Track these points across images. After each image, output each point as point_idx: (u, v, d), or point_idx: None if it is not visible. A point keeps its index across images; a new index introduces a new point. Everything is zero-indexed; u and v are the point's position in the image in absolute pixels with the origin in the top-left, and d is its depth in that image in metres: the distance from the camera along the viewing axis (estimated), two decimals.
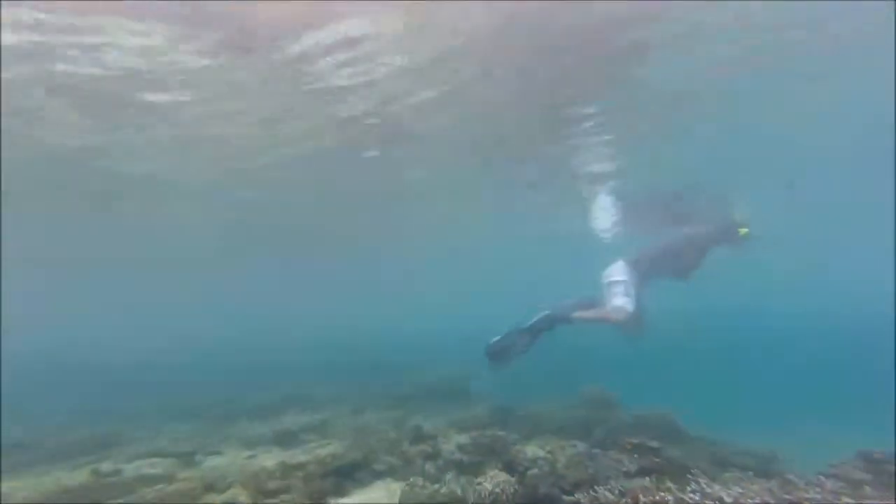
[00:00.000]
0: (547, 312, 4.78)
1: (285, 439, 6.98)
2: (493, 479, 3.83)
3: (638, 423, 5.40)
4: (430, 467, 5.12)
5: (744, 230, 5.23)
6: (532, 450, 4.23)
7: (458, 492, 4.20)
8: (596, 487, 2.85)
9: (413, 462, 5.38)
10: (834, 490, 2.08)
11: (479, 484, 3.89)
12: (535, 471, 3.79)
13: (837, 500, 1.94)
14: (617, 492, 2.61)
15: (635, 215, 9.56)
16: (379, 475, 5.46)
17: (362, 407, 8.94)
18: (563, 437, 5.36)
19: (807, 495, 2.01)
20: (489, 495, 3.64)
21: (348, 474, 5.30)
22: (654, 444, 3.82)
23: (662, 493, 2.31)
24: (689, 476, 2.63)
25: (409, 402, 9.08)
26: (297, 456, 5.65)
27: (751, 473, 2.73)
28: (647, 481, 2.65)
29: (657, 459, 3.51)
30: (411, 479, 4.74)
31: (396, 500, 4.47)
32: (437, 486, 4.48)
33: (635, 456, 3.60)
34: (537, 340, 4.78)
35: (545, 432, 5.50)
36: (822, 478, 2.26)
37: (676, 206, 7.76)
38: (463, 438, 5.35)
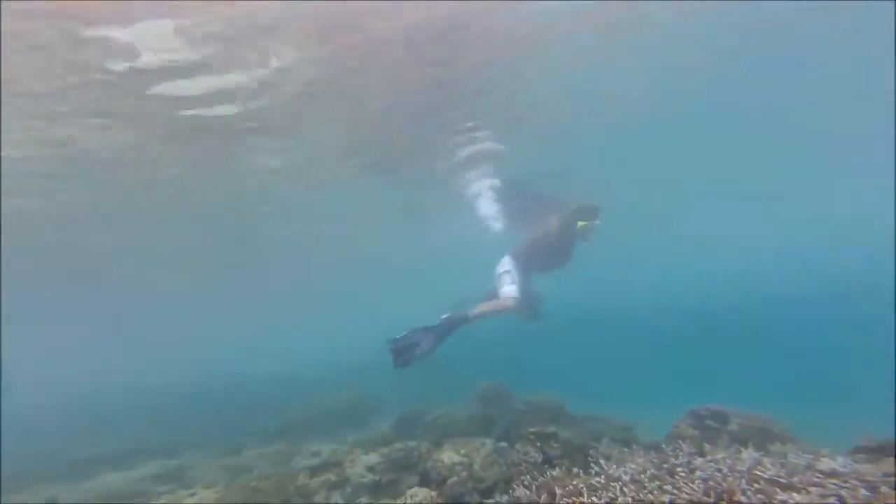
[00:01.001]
0: (447, 315, 4.85)
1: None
2: (414, 497, 3.68)
3: (530, 409, 6.10)
4: (337, 497, 4.60)
5: (582, 224, 5.38)
6: (448, 456, 4.26)
7: None
8: (514, 486, 3.03)
9: (315, 495, 4.75)
10: (688, 452, 2.77)
11: None
12: (454, 478, 3.81)
13: (694, 459, 2.59)
14: (534, 488, 2.84)
15: (510, 214, 10.38)
16: None
17: (237, 447, 7.44)
18: (469, 436, 5.63)
19: (675, 461, 2.62)
20: None
21: None
22: (552, 429, 4.36)
23: (574, 483, 2.63)
24: (589, 458, 3.09)
25: (301, 431, 8.06)
26: None
27: (636, 447, 3.44)
28: (557, 472, 2.98)
29: (556, 444, 4.02)
30: None
31: None
32: None
33: (538, 444, 4.03)
34: (441, 344, 4.78)
35: (453, 435, 5.65)
36: (679, 442, 2.99)
37: (534, 203, 8.67)
38: (372, 458, 4.99)
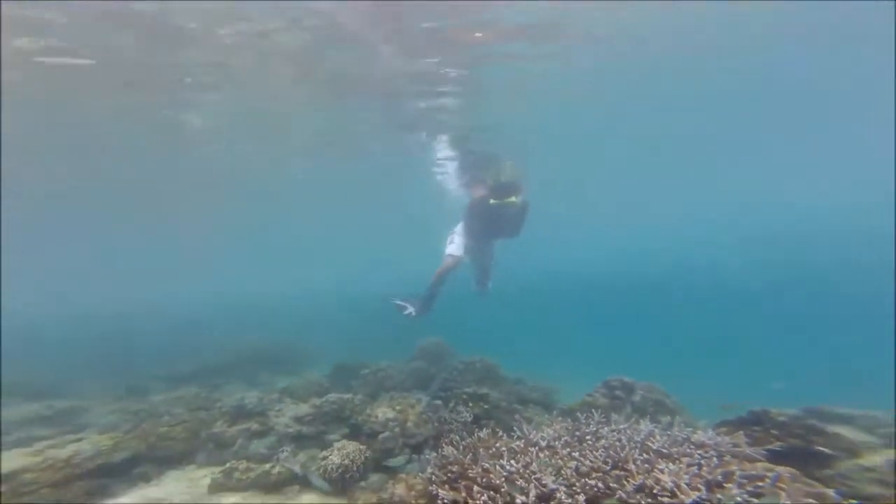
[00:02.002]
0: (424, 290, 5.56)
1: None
2: (342, 451, 3.88)
3: (467, 368, 6.64)
4: (258, 446, 4.68)
5: (494, 202, 5.36)
6: (383, 411, 4.51)
7: (297, 470, 4.06)
8: (443, 444, 3.34)
9: (232, 444, 4.77)
10: (597, 421, 3.27)
11: (325, 458, 3.87)
12: (386, 434, 4.07)
13: (602, 428, 3.06)
14: (461, 447, 3.16)
15: (459, 175, 10.74)
16: (174, 464, 4.62)
17: (143, 389, 7.02)
18: (404, 391, 5.99)
19: (586, 429, 3.08)
20: (337, 469, 3.68)
21: (119, 472, 4.23)
22: (484, 390, 4.81)
23: (497, 445, 2.97)
24: (514, 422, 3.50)
25: (223, 375, 7.81)
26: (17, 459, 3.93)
27: (556, 412, 3.93)
28: (484, 433, 3.33)
29: (486, 406, 4.47)
30: (228, 464, 4.23)
31: (203, 491, 3.97)
32: (267, 466, 4.18)
33: (470, 405, 4.45)
34: (428, 308, 5.61)
35: (389, 389, 5.97)
36: (591, 411, 3.50)
37: (472, 167, 9.14)
38: (303, 408, 5.09)
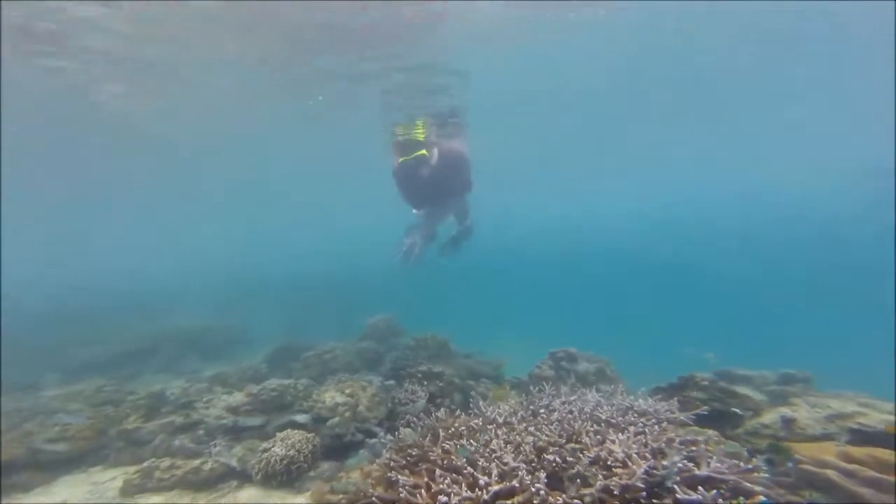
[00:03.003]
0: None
1: None
2: (286, 441, 3.69)
3: (418, 346, 6.68)
4: (184, 441, 4.26)
5: (402, 159, 5.19)
6: (331, 395, 4.35)
7: (233, 464, 3.79)
8: (399, 428, 3.33)
9: (150, 441, 4.31)
10: (548, 394, 3.49)
11: (267, 450, 3.66)
12: (335, 419, 3.95)
13: (553, 400, 3.27)
14: (419, 429, 3.18)
15: None
16: (69, 468, 4.08)
17: (35, 381, 5.96)
18: (353, 373, 5.86)
19: (539, 402, 3.27)
20: (282, 460, 3.50)
21: None
22: (438, 368, 4.88)
23: (456, 424, 3.03)
24: (470, 399, 3.59)
25: (139, 362, 6.92)
26: None
27: (509, 388, 4.11)
28: (442, 412, 3.38)
29: (441, 383, 4.55)
30: (147, 463, 3.82)
31: (113, 494, 3.57)
32: (196, 462, 3.84)
33: (425, 383, 4.49)
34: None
35: (336, 371, 5.78)
36: (543, 384, 3.73)
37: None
38: (237, 397, 4.72)
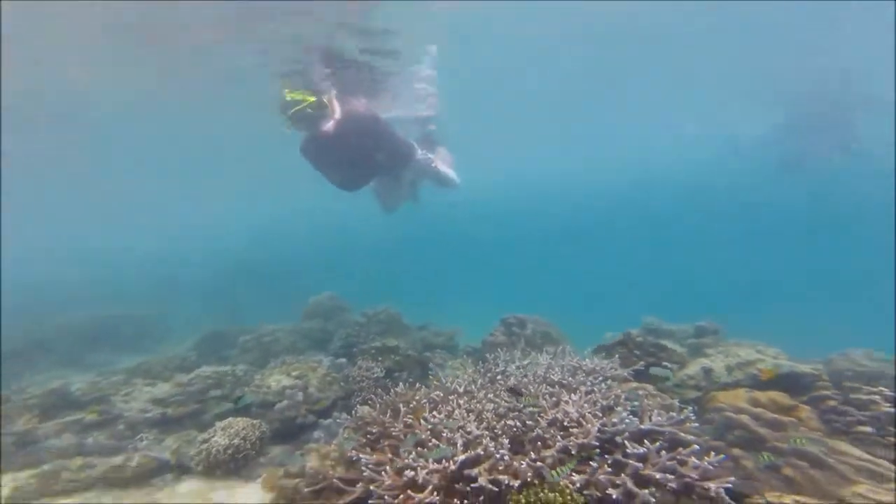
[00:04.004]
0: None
1: None
2: (228, 430, 3.44)
3: (369, 322, 6.57)
4: (100, 438, 3.79)
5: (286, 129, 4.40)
6: (276, 379, 4.12)
7: (165, 457, 3.47)
8: (357, 408, 3.28)
9: (48, 441, 3.77)
10: (503, 359, 3.67)
11: (206, 440, 3.39)
12: (283, 403, 3.76)
13: (509, 366, 3.44)
14: (378, 406, 3.16)
15: None
16: None
17: None
18: (299, 353, 5.60)
19: (496, 369, 3.42)
20: (225, 450, 3.28)
21: None
22: (393, 342, 4.85)
23: (417, 398, 3.06)
24: (430, 372, 3.64)
25: (28, 358, 5.89)
26: None
27: (462, 355, 4.22)
28: (401, 387, 3.38)
29: (397, 357, 4.54)
30: (49, 465, 3.36)
31: None
32: (118, 459, 3.45)
33: (379, 359, 4.44)
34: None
35: (279, 354, 5.48)
36: (498, 350, 3.90)
37: None
38: (163, 388, 4.27)
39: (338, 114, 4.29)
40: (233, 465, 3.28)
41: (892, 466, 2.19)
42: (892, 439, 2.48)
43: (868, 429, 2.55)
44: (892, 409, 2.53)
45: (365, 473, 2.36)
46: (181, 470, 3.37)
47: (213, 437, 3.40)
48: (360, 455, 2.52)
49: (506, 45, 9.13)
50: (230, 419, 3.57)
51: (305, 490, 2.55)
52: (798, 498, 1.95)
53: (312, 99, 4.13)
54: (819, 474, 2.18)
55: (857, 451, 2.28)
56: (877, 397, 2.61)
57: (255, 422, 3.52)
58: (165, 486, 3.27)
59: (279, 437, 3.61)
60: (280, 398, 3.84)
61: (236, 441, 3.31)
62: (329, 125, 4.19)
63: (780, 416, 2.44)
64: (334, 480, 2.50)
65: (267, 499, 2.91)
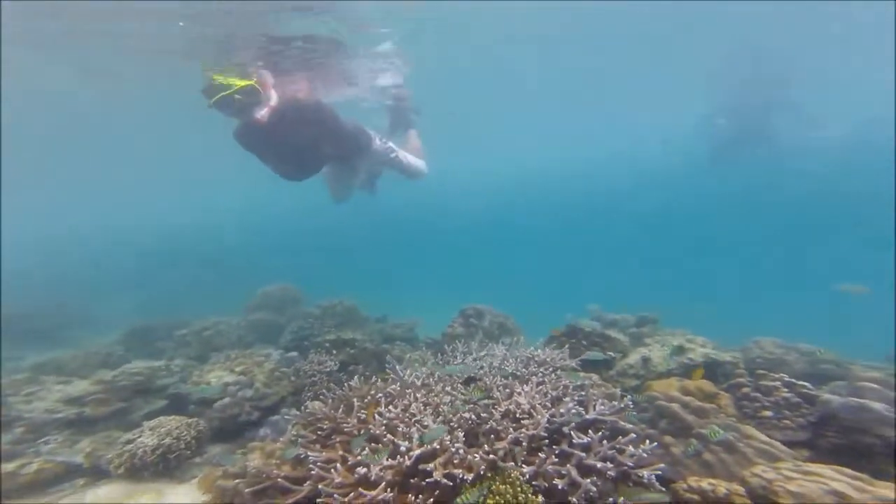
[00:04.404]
0: None
1: None
2: (157, 430, 3.15)
3: (325, 314, 6.32)
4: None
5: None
6: (217, 375, 3.82)
7: (77, 460, 3.11)
8: (307, 403, 3.14)
9: None
10: (462, 351, 3.71)
11: (131, 441, 3.07)
12: (225, 400, 3.51)
13: (467, 357, 3.48)
14: (330, 401, 3.04)
15: None
16: None
17: None
18: (245, 347, 5.26)
19: (455, 361, 3.44)
20: (154, 451, 2.99)
21: None
22: (349, 335, 4.70)
23: (372, 392, 2.99)
24: (387, 364, 3.57)
25: None
26: None
27: (422, 346, 4.17)
28: (355, 380, 3.29)
29: (353, 350, 4.40)
30: None
31: None
32: (13, 464, 3.03)
33: (334, 353, 4.28)
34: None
35: (222, 348, 5.10)
36: (456, 342, 3.93)
37: None
38: (79, 386, 3.79)
39: (273, 100, 3.88)
40: (162, 467, 3.01)
41: (784, 448, 2.52)
42: (787, 422, 2.87)
43: (769, 413, 2.91)
44: (788, 394, 2.91)
45: (313, 471, 2.27)
46: (97, 475, 3.02)
47: (139, 437, 3.09)
48: (309, 452, 2.42)
49: (464, 40, 8.93)
50: (161, 418, 3.26)
51: (246, 491, 2.40)
52: (712, 480, 2.18)
53: (241, 83, 3.68)
54: (730, 458, 2.46)
55: (760, 435, 2.60)
56: (778, 383, 2.99)
57: (190, 420, 3.25)
58: (74, 491, 2.92)
59: (220, 435, 3.37)
60: (222, 395, 3.57)
61: (167, 441, 3.04)
62: (263, 113, 3.78)
63: (705, 403, 2.71)
64: (279, 479, 2.38)
65: (202, 500, 2.71)
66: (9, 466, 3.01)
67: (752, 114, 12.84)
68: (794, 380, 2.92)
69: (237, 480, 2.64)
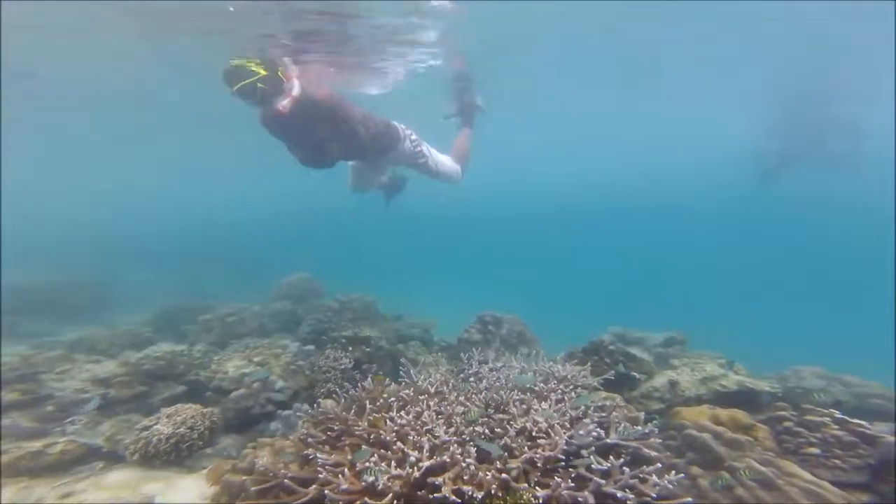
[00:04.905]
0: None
1: None
2: (174, 417, 3.21)
3: (343, 308, 6.35)
4: (19, 419, 3.46)
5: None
6: (235, 364, 3.88)
7: (97, 443, 3.21)
8: (319, 395, 3.12)
9: None
10: (477, 360, 3.60)
11: (148, 428, 3.14)
12: (240, 391, 3.55)
13: (482, 367, 3.38)
14: (342, 401, 3.01)
15: None
16: None
17: None
18: (264, 336, 5.34)
19: (469, 370, 3.35)
20: (168, 439, 3.04)
21: None
22: (366, 332, 4.68)
23: (385, 395, 2.94)
24: (401, 367, 3.52)
25: None
26: None
27: (437, 351, 4.10)
28: (368, 381, 3.25)
29: (368, 349, 4.38)
30: None
31: None
32: (37, 444, 3.15)
33: (350, 349, 4.27)
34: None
35: (243, 336, 5.20)
36: (472, 349, 3.83)
37: None
38: (108, 367, 3.94)
39: (296, 90, 3.79)
40: (174, 456, 3.05)
41: (835, 490, 2.28)
42: (836, 461, 2.60)
43: (816, 450, 2.65)
44: (840, 432, 2.64)
45: (321, 474, 2.22)
46: (113, 459, 3.10)
47: (155, 424, 3.16)
48: (318, 454, 2.38)
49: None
50: (178, 406, 3.33)
51: (253, 489, 2.39)
52: None
53: (264, 72, 3.63)
54: (768, 495, 2.24)
55: (805, 474, 2.36)
56: (827, 419, 2.72)
57: (205, 410, 3.30)
58: (91, 475, 3.00)
59: (234, 427, 3.40)
60: (237, 385, 3.62)
61: (182, 430, 3.09)
62: (285, 103, 3.71)
63: (739, 434, 2.49)
64: (286, 480, 2.35)
65: (209, 492, 2.72)
66: (34, 444, 3.13)
67: (806, 133, 12.13)
68: (846, 417, 2.65)
69: (244, 477, 2.64)
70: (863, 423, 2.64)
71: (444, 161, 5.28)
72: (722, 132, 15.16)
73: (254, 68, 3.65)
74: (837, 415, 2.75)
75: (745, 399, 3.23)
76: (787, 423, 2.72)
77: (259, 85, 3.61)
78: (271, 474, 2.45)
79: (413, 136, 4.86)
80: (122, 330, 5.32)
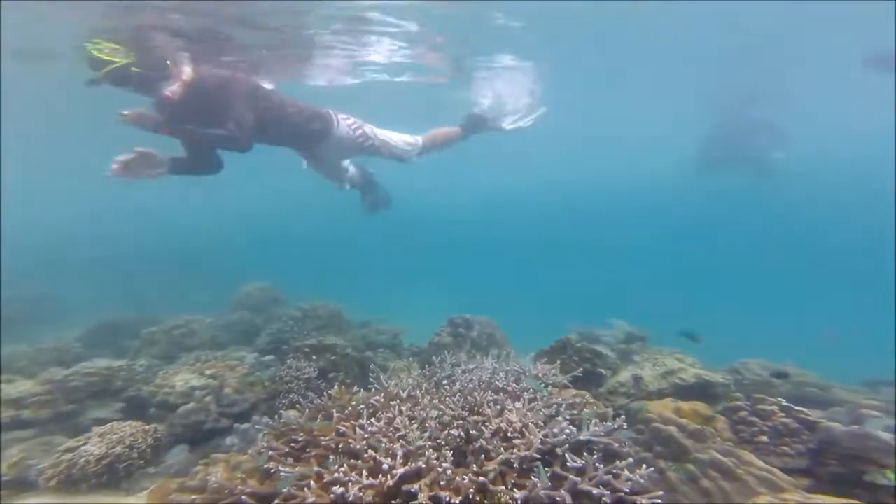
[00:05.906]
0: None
1: None
2: (108, 436, 2.84)
3: (306, 316, 6.04)
4: None
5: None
6: (184, 378, 3.52)
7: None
8: (280, 406, 2.90)
9: None
10: (450, 363, 3.53)
11: (73, 449, 2.74)
12: (190, 405, 3.22)
13: (455, 369, 3.30)
14: (307, 411, 2.81)
15: None
16: None
17: None
18: (218, 348, 4.94)
19: (441, 374, 3.26)
20: (99, 461, 2.68)
21: None
22: (331, 340, 4.45)
23: (353, 403, 2.77)
24: (371, 374, 3.36)
25: None
26: None
27: (407, 355, 3.97)
28: (335, 389, 3.06)
29: (334, 357, 4.16)
30: None
31: None
32: None
33: (314, 358, 4.03)
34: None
35: (193, 349, 4.76)
36: (444, 352, 3.74)
37: None
38: (23, 387, 3.43)
39: (187, 75, 3.31)
40: (107, 479, 2.68)
41: (785, 476, 2.44)
42: (784, 448, 2.79)
43: (765, 438, 2.84)
44: (787, 419, 2.85)
45: (284, 489, 2.04)
46: (20, 487, 2.67)
47: (83, 444, 2.77)
48: (280, 466, 2.19)
49: None
50: (113, 423, 2.95)
51: None
52: None
53: (125, 60, 3.11)
54: (729, 486, 2.35)
55: (759, 462, 2.51)
56: (775, 408, 2.93)
57: (147, 426, 2.95)
58: None
59: (183, 443, 3.07)
60: (187, 400, 3.28)
61: (118, 449, 2.73)
62: (174, 88, 3.21)
63: (701, 426, 2.61)
64: (244, 497, 2.13)
65: None
66: None
67: (735, 133, 13.13)
68: (792, 405, 2.86)
69: (194, 496, 2.37)
70: (804, 410, 2.87)
71: (394, 137, 4.72)
72: (662, 133, 16.18)
73: (112, 57, 3.11)
74: (784, 403, 2.97)
75: (702, 391, 3.42)
76: (742, 413, 2.89)
77: (133, 68, 3.10)
78: (227, 491, 2.22)
79: (351, 121, 4.39)
80: (49, 346, 4.70)
